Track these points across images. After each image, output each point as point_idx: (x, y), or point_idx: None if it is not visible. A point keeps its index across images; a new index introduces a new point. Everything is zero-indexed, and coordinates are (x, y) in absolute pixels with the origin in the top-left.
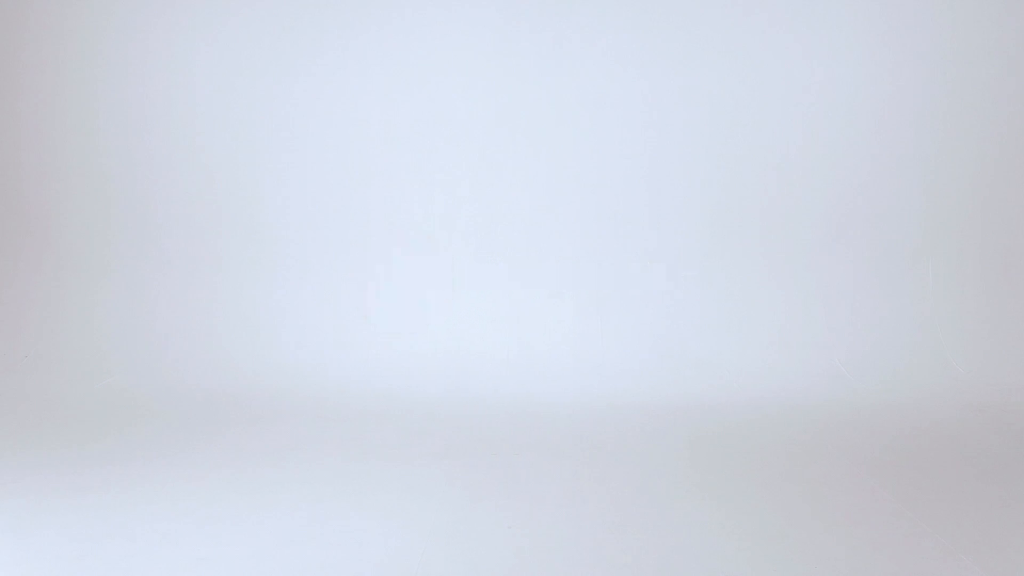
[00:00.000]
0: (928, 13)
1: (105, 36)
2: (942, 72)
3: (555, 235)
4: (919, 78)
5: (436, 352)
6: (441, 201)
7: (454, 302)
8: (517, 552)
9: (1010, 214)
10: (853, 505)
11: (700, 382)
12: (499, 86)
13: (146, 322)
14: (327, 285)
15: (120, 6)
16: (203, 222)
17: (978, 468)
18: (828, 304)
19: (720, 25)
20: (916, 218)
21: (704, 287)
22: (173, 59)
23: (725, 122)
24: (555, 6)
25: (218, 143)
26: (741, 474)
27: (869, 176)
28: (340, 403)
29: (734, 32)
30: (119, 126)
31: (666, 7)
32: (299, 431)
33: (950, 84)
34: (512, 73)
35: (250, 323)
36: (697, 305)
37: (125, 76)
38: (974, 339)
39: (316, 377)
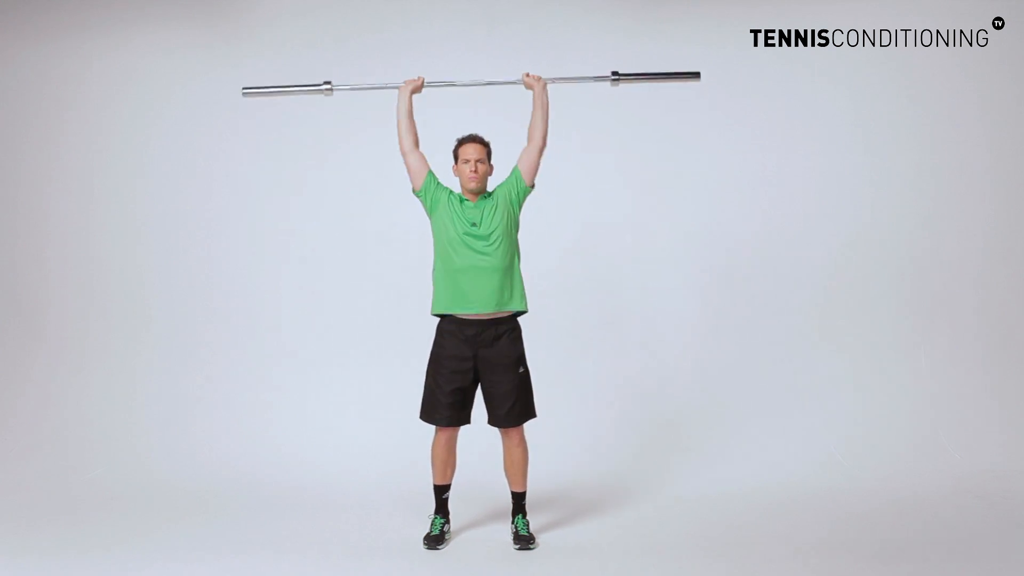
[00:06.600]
0: (912, 101)
1: (102, 133)
2: (930, 158)
3: (545, 328)
4: (908, 164)
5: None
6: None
7: None
8: None
9: (1003, 297)
10: None
11: (694, 472)
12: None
13: (133, 414)
14: (321, 377)
15: (121, 101)
16: (197, 315)
17: (978, 557)
18: (822, 392)
19: (710, 115)
20: (908, 303)
21: (697, 377)
22: (172, 157)
23: (716, 212)
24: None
25: (213, 237)
26: (739, 565)
27: (860, 262)
28: (330, 493)
29: (724, 121)
30: (115, 216)
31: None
32: (291, 524)
33: (938, 170)
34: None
35: (239, 415)
36: (691, 395)
37: (124, 171)
38: (971, 424)
39: (306, 469)
